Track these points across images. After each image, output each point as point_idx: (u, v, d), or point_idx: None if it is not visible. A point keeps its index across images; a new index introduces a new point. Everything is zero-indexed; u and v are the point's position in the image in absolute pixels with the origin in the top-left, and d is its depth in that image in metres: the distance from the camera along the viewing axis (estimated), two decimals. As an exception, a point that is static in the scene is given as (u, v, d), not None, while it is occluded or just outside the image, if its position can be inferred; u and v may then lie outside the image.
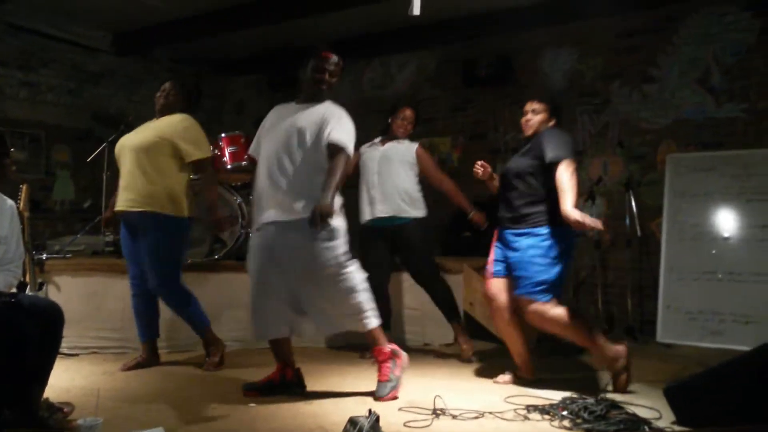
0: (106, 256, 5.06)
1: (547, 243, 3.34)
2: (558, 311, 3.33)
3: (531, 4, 5.53)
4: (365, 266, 4.42)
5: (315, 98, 3.35)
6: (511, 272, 3.46)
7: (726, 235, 4.90)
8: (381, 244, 4.36)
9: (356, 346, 4.38)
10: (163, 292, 3.86)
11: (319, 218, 3.01)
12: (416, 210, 4.35)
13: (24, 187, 3.82)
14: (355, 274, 3.27)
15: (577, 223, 3.12)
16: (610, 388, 3.36)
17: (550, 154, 3.33)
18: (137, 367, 3.87)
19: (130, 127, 4.27)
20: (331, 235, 3.18)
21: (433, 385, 3.49)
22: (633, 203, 5.29)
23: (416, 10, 3.70)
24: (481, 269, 5.17)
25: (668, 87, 5.46)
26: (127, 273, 3.99)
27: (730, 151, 5.09)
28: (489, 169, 3.68)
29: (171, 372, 3.86)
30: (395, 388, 3.28)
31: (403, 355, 3.37)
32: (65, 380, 3.53)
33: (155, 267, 3.78)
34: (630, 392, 3.34)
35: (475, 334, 4.88)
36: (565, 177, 3.23)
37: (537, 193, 3.41)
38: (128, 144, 3.92)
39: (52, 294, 4.25)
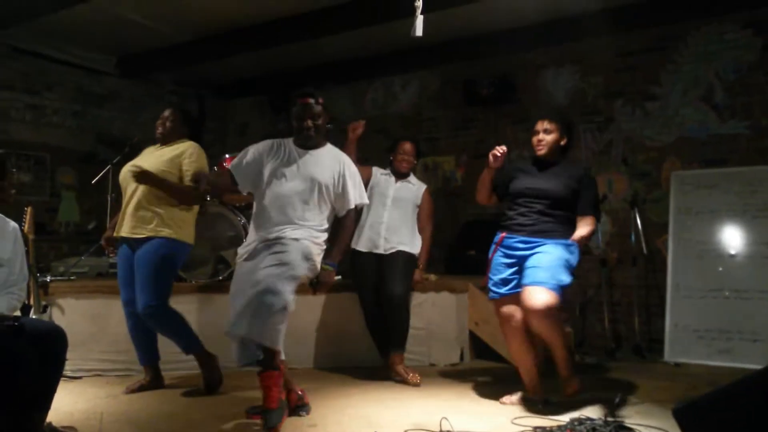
0: (110, 277, 5.05)
1: (572, 252, 3.44)
2: (558, 312, 3.36)
3: (531, 24, 5.55)
4: (359, 288, 4.43)
5: (315, 144, 3.39)
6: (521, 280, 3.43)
7: (732, 252, 4.88)
8: (374, 267, 4.35)
9: (361, 369, 4.36)
10: (149, 313, 3.76)
11: (319, 283, 3.31)
12: (411, 246, 4.40)
13: (29, 210, 3.84)
14: (287, 296, 3.07)
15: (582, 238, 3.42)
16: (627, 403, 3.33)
17: (591, 209, 3.54)
18: (141, 390, 3.84)
19: (134, 149, 4.25)
20: (308, 254, 3.20)
21: (439, 407, 3.46)
22: (638, 220, 5.28)
23: (418, 31, 3.72)
24: (486, 288, 5.17)
25: (671, 104, 5.47)
26: (121, 298, 3.92)
27: (734, 168, 5.08)
28: (501, 161, 3.63)
29: (175, 394, 3.83)
30: (284, 413, 3.15)
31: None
32: (68, 403, 3.51)
33: (145, 288, 3.73)
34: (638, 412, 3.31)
35: (482, 353, 4.85)
36: (590, 230, 3.51)
37: (563, 216, 3.50)
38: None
39: (56, 316, 4.24)
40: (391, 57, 6.38)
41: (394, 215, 4.40)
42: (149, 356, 3.94)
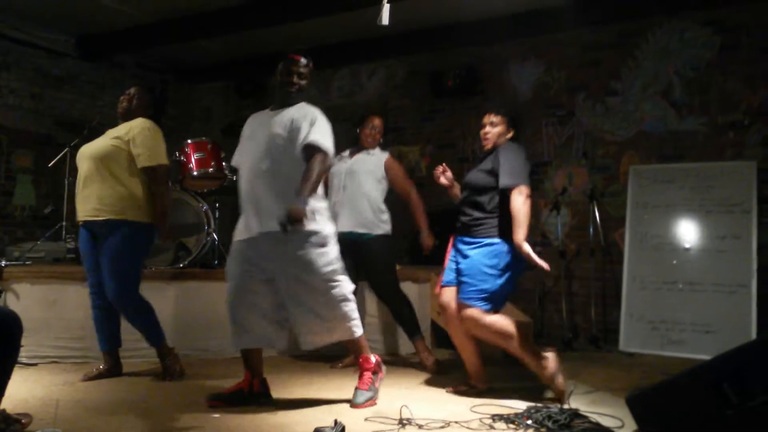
0: (67, 263, 4.97)
1: (496, 254, 3.39)
2: (492, 318, 3.38)
3: (498, 16, 5.60)
4: None
5: (288, 102, 3.35)
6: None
7: (686, 245, 5.02)
8: (346, 255, 4.29)
9: (323, 357, 4.36)
10: (121, 302, 3.74)
11: (288, 222, 2.97)
12: (381, 227, 4.30)
13: (-17, 193, 3.73)
14: (346, 282, 3.30)
15: (528, 256, 3.25)
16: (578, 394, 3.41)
17: (504, 180, 3.39)
18: (99, 377, 3.79)
19: (93, 132, 4.17)
20: (324, 241, 3.21)
21: (399, 395, 3.49)
22: (597, 214, 5.38)
23: (385, 20, 3.72)
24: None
25: (631, 100, 5.58)
26: (87, 283, 3.88)
27: (690, 164, 5.21)
28: (450, 174, 3.74)
29: (133, 382, 3.79)
30: (372, 399, 3.30)
31: (384, 370, 3.44)
32: (23, 391, 3.44)
33: (114, 276, 3.68)
34: (592, 401, 3.39)
35: (443, 342, 4.90)
36: (518, 205, 3.31)
37: (491, 206, 3.46)
38: (87, 152, 3.84)
39: (11, 302, 4.15)
40: (358, 45, 6.36)
41: (350, 190, 4.26)
42: (112, 342, 3.89)
